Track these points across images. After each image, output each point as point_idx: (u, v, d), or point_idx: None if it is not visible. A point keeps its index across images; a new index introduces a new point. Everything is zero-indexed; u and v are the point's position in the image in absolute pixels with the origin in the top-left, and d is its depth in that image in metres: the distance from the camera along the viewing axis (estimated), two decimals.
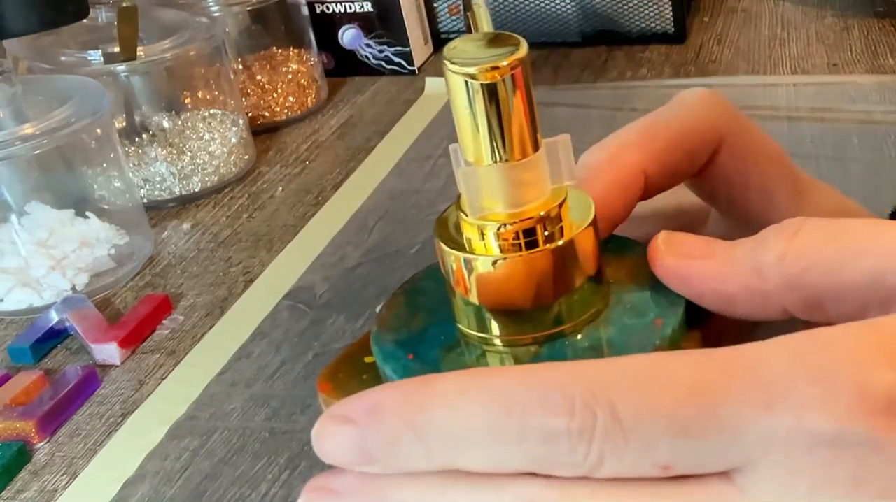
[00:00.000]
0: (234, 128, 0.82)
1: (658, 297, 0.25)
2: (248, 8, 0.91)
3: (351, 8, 0.96)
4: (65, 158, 0.72)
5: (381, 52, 0.97)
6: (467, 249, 0.24)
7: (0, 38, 0.71)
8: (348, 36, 0.97)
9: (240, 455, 0.52)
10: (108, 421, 0.56)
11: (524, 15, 0.98)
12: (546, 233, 0.23)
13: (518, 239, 0.23)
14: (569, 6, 0.96)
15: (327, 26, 0.96)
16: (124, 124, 0.80)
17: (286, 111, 0.90)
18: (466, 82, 0.22)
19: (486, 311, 0.24)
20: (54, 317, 0.63)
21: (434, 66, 0.98)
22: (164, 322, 0.64)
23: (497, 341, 0.24)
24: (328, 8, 0.96)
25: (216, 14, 0.87)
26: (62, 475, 0.53)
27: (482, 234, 0.23)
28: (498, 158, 0.22)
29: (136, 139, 0.80)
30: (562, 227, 0.23)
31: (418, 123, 0.86)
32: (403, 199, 0.75)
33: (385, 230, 0.71)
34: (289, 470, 0.51)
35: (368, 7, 0.95)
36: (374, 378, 0.25)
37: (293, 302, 0.64)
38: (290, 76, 0.91)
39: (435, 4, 1.01)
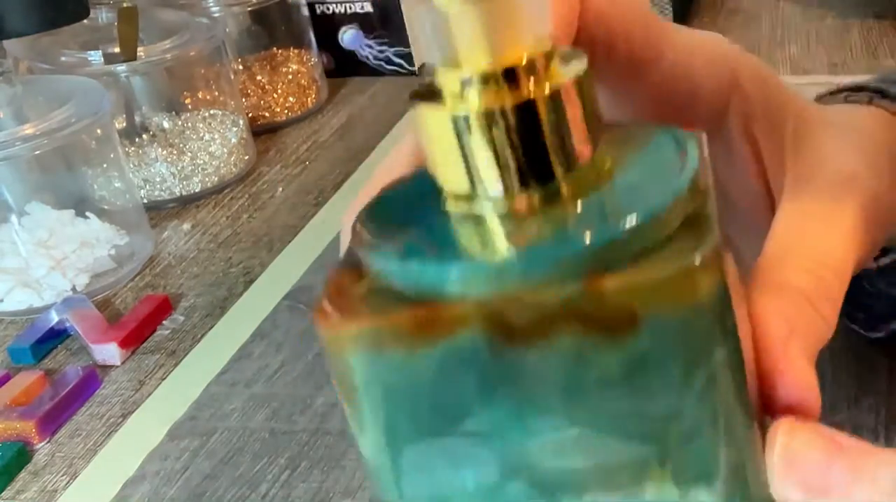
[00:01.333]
0: (235, 129, 0.82)
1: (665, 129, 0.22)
2: (249, 8, 0.91)
3: (351, 8, 0.96)
4: (65, 158, 0.72)
5: (381, 52, 0.97)
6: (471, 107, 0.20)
7: (0, 39, 0.71)
8: (348, 36, 0.97)
9: (240, 455, 0.52)
10: (108, 422, 0.57)
11: None
12: (547, 70, 0.20)
13: (538, 73, 0.20)
14: None
15: (327, 27, 0.96)
16: (124, 124, 0.80)
17: (286, 111, 0.90)
18: None
19: (478, 178, 0.21)
20: (54, 317, 0.63)
21: None
22: (164, 322, 0.64)
23: (492, 210, 0.21)
24: (328, 8, 0.96)
25: (216, 14, 0.87)
26: (62, 475, 0.53)
27: (490, 81, 0.20)
28: None
29: (137, 139, 0.80)
30: (556, 65, 0.20)
31: None
32: None
33: None
34: (289, 470, 0.51)
35: (368, 7, 0.95)
36: (376, 296, 0.22)
37: (293, 302, 0.64)
38: (290, 76, 0.91)
39: None
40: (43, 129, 0.65)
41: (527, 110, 0.20)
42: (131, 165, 0.77)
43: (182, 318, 0.64)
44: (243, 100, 0.88)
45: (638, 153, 0.22)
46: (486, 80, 0.20)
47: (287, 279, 0.67)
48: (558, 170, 0.20)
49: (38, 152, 0.67)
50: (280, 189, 0.79)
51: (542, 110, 0.20)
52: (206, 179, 0.79)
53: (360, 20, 0.96)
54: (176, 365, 0.60)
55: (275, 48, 0.93)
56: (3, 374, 0.59)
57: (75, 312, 0.63)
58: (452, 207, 0.21)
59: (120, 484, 0.52)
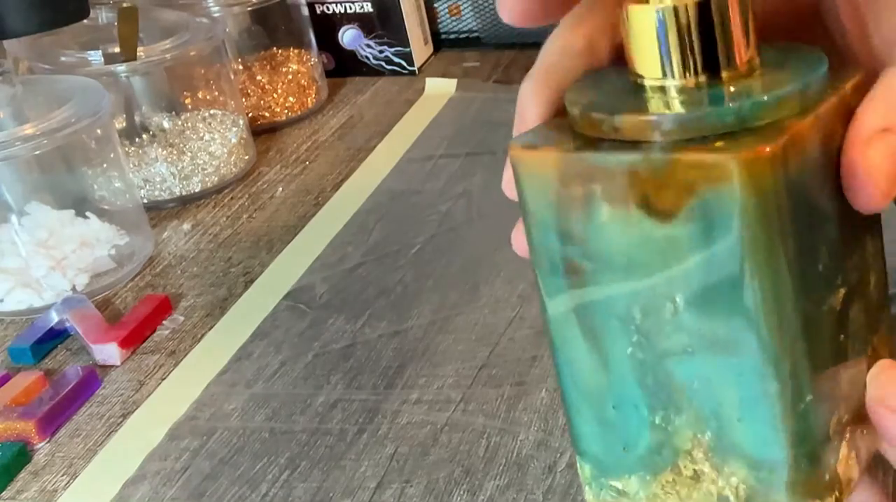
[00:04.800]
0: (235, 129, 0.82)
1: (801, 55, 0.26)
2: (249, 8, 0.91)
3: (351, 8, 0.96)
4: (65, 159, 0.72)
5: (381, 52, 0.97)
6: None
7: (0, 39, 0.71)
8: (348, 36, 0.97)
9: (240, 455, 0.52)
10: (108, 422, 0.57)
11: None
12: None
13: None
14: None
15: (327, 26, 0.97)
16: (124, 124, 0.80)
17: (286, 111, 0.90)
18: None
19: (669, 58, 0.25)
20: (54, 317, 0.63)
21: (434, 66, 0.98)
22: (164, 322, 0.64)
23: (672, 84, 0.26)
24: (328, 8, 0.96)
25: (216, 14, 0.87)
26: (62, 475, 0.53)
27: None
28: None
29: (137, 139, 0.80)
30: None
31: (418, 124, 0.86)
32: (403, 199, 0.75)
33: (385, 230, 0.71)
34: (289, 470, 0.51)
35: (368, 7, 0.95)
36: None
37: (293, 302, 0.64)
38: (290, 76, 0.91)
39: (435, 5, 1.01)
40: (43, 129, 0.65)
41: (703, 9, 0.25)
42: (131, 165, 0.77)
43: (182, 318, 0.64)
44: (243, 100, 0.88)
45: (777, 65, 0.27)
46: None
47: (287, 279, 0.67)
48: (721, 63, 0.26)
49: (38, 152, 0.67)
50: (280, 189, 0.79)
51: (713, 11, 0.25)
52: (206, 179, 0.79)
53: (360, 20, 0.96)
54: (176, 365, 0.60)
55: (275, 48, 0.93)
56: (3, 374, 0.59)
57: (75, 312, 0.63)
58: (640, 81, 0.26)
59: (120, 484, 0.52)
